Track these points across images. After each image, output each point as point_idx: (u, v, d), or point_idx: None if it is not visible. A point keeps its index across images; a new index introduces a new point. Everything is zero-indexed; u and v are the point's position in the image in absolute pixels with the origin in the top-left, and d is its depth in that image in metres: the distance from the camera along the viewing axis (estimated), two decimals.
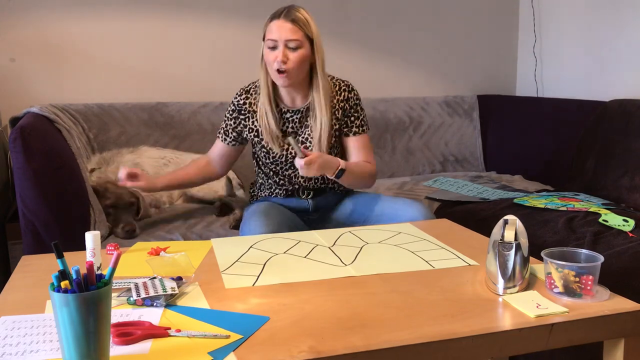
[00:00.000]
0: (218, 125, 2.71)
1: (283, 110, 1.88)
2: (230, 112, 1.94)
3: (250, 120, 1.91)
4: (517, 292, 1.14)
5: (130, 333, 0.95)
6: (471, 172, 3.13)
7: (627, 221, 1.93)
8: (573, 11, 3.00)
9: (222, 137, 1.96)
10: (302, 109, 1.87)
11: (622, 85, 2.71)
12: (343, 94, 1.90)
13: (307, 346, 0.93)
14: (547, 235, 1.91)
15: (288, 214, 1.89)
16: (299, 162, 1.67)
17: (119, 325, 0.99)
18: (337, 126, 1.90)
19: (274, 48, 1.75)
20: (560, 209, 2.12)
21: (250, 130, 1.92)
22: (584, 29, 2.94)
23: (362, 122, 1.93)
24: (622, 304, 1.09)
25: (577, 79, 2.99)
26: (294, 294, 1.13)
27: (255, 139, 1.92)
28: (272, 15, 1.79)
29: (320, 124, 1.83)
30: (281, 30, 1.73)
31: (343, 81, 1.93)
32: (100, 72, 2.73)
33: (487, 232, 1.29)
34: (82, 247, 1.27)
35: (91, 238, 1.21)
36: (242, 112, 1.91)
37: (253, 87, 1.92)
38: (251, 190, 2.11)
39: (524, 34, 3.39)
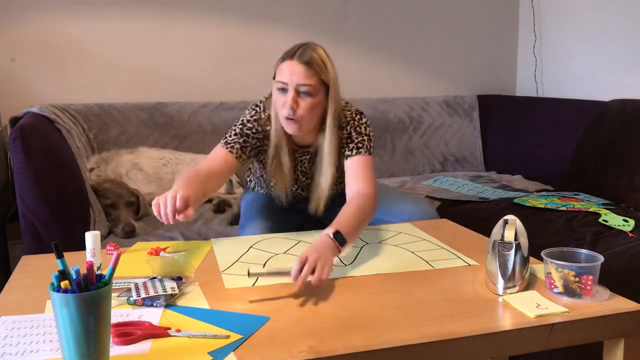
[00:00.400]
0: (218, 125, 2.74)
1: (293, 149, 1.70)
2: (251, 130, 1.65)
3: (261, 151, 1.71)
4: (517, 292, 1.14)
5: (130, 333, 0.95)
6: (471, 172, 3.13)
7: (627, 221, 1.93)
8: (573, 11, 3.00)
9: (236, 153, 1.61)
10: (311, 151, 1.71)
11: (622, 85, 2.71)
12: (350, 122, 1.67)
13: (307, 346, 0.93)
14: (547, 235, 1.91)
15: (283, 210, 1.82)
16: (297, 279, 1.19)
17: (119, 325, 0.99)
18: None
19: (283, 91, 1.54)
20: (560, 209, 2.12)
21: (264, 161, 1.73)
22: (584, 29, 2.93)
23: (360, 145, 1.64)
24: (622, 304, 1.09)
25: (577, 79, 2.99)
26: (294, 294, 1.13)
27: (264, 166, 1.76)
28: (285, 53, 1.58)
29: (324, 174, 1.65)
30: (293, 73, 1.52)
31: (351, 112, 1.69)
32: (100, 72, 2.73)
33: (487, 232, 1.29)
34: (82, 247, 1.27)
35: (91, 238, 1.21)
36: (259, 139, 1.68)
37: (263, 114, 1.67)
38: (248, 177, 2.01)
39: (524, 34, 3.38)
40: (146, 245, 1.48)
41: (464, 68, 3.38)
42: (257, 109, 1.68)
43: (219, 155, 1.61)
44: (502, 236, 1.18)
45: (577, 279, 1.10)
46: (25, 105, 2.22)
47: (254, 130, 1.65)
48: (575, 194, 2.37)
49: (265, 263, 1.35)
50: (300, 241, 1.52)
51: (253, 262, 1.36)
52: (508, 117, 3.14)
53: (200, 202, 1.58)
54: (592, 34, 2.88)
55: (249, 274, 1.16)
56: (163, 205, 1.30)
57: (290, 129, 1.58)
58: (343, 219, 1.40)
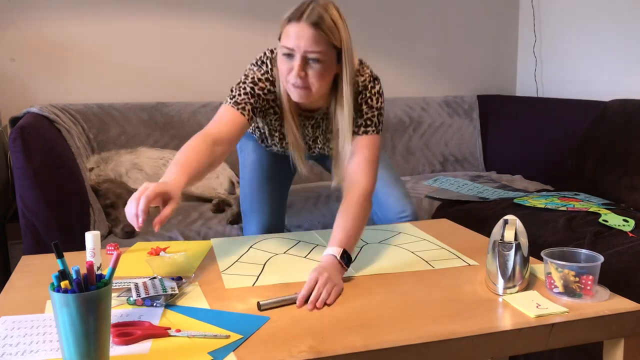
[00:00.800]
0: None
1: (300, 113, 1.57)
2: (262, 90, 1.49)
3: (269, 113, 1.57)
4: (517, 292, 1.14)
5: (130, 333, 0.95)
6: (471, 172, 3.13)
7: (627, 221, 1.93)
8: (573, 11, 3.00)
9: (247, 114, 1.45)
10: (316, 116, 1.59)
11: (622, 85, 2.71)
12: (363, 92, 1.54)
13: (307, 346, 0.93)
14: (547, 235, 1.91)
15: (279, 164, 1.76)
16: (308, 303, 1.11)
17: (119, 325, 0.99)
18: None
19: (289, 56, 1.37)
20: (560, 209, 2.12)
21: (270, 123, 1.61)
22: (584, 29, 2.94)
23: (373, 122, 1.52)
24: (622, 304, 1.09)
25: (577, 79, 2.99)
26: (294, 293, 1.12)
27: (275, 133, 1.64)
28: (291, 12, 1.38)
29: (340, 139, 1.49)
30: (300, 37, 1.34)
31: (366, 78, 1.57)
32: (100, 72, 2.73)
33: (487, 232, 1.29)
34: (82, 247, 1.27)
35: (91, 238, 1.21)
36: (269, 101, 1.53)
37: (271, 74, 1.51)
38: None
39: (524, 34, 3.39)
40: (146, 245, 1.48)
41: (464, 68, 3.38)
42: (266, 66, 1.51)
43: (229, 117, 1.43)
44: (502, 236, 1.18)
45: (577, 279, 1.10)
46: (25, 105, 2.22)
47: (265, 91, 1.49)
48: (575, 194, 2.37)
49: (265, 263, 1.35)
50: (300, 241, 1.52)
51: (253, 262, 1.36)
52: (508, 117, 3.14)
53: (203, 176, 1.37)
54: (592, 34, 2.88)
55: (259, 308, 1.07)
56: (133, 206, 1.09)
57: (297, 96, 1.42)
58: (345, 233, 1.30)
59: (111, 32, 2.72)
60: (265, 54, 1.54)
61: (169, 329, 0.98)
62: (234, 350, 0.91)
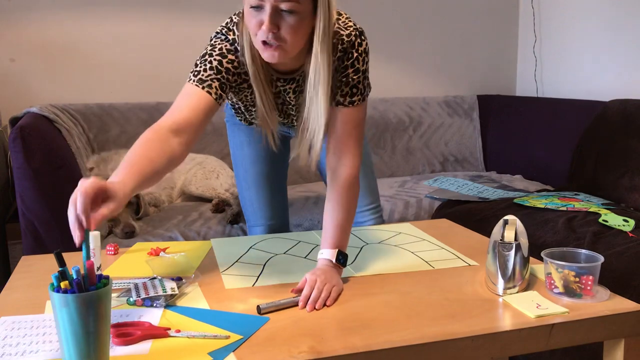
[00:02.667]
0: (217, 125, 2.73)
1: (273, 77, 1.34)
2: (232, 63, 1.29)
3: (242, 89, 1.37)
4: (517, 292, 1.14)
5: (130, 333, 0.95)
6: (471, 172, 3.13)
7: (627, 221, 1.93)
8: (573, 11, 3.00)
9: (214, 92, 1.25)
10: (297, 77, 1.34)
11: (622, 85, 2.71)
12: (348, 49, 1.30)
13: (307, 346, 0.93)
14: (547, 235, 1.91)
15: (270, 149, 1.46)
16: (306, 305, 1.09)
17: (118, 325, 0.99)
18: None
19: (258, 8, 1.14)
20: (560, 209, 2.12)
21: (244, 99, 1.41)
22: (584, 29, 2.94)
23: (355, 90, 1.30)
24: (622, 304, 1.09)
25: (577, 79, 2.99)
26: (295, 294, 1.12)
27: (252, 109, 1.44)
28: None
29: (306, 106, 1.27)
30: None
31: (350, 32, 1.33)
32: (100, 72, 2.73)
33: (487, 232, 1.29)
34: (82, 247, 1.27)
35: (91, 238, 1.21)
36: (241, 74, 1.32)
37: (238, 42, 1.30)
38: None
39: (524, 34, 3.38)
40: (146, 245, 1.48)
41: (464, 68, 3.38)
42: (232, 33, 1.31)
43: (192, 99, 1.25)
44: (502, 236, 1.18)
45: (577, 279, 1.10)
46: (25, 105, 2.22)
47: (235, 64, 1.28)
48: (575, 194, 2.37)
49: (265, 263, 1.35)
50: (300, 241, 1.52)
51: (253, 262, 1.36)
52: (508, 117, 3.14)
53: (161, 176, 1.20)
54: (592, 34, 2.88)
55: (259, 311, 1.05)
56: (72, 211, 0.90)
57: (268, 56, 1.19)
58: (337, 231, 1.24)
59: (111, 32, 2.72)
60: (231, 19, 1.33)
61: (169, 329, 0.98)
62: (233, 351, 0.91)
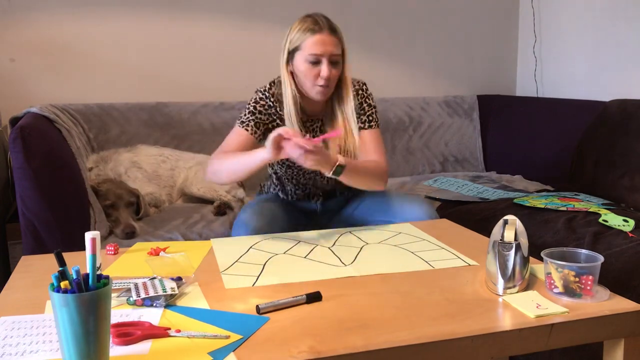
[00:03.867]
0: (218, 125, 2.74)
1: (303, 119, 1.77)
2: (263, 107, 1.74)
3: (277, 125, 1.76)
4: (517, 292, 1.14)
5: (130, 333, 0.95)
6: (471, 172, 3.13)
7: (627, 221, 1.93)
8: (573, 11, 3.00)
9: (251, 129, 1.71)
10: (322, 118, 1.80)
11: (622, 85, 2.71)
12: (358, 99, 1.81)
13: (307, 346, 0.93)
14: (547, 235, 1.91)
15: (289, 211, 1.83)
16: (297, 150, 1.44)
17: (118, 325, 0.99)
18: None
19: (316, 63, 1.64)
20: (560, 209, 2.12)
21: (268, 131, 1.74)
22: (584, 29, 2.94)
23: (372, 118, 1.81)
24: (622, 304, 1.09)
25: (577, 79, 2.99)
26: (294, 294, 1.13)
27: None
28: (308, 25, 1.65)
29: (345, 129, 1.74)
30: (326, 45, 1.63)
31: (357, 81, 1.84)
32: (100, 72, 2.73)
33: (487, 232, 1.29)
34: (82, 247, 1.27)
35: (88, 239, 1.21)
36: (271, 114, 1.76)
37: (272, 92, 1.77)
38: (262, 184, 2.04)
39: (524, 34, 3.38)
40: (146, 245, 1.48)
41: (464, 68, 3.38)
42: (265, 90, 1.77)
43: (236, 136, 1.72)
44: (502, 236, 1.18)
45: (577, 279, 1.10)
46: (25, 105, 2.22)
47: (266, 107, 1.74)
48: (575, 194, 2.37)
49: (265, 263, 1.35)
50: (300, 241, 1.52)
51: (253, 262, 1.36)
52: (508, 117, 3.14)
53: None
54: (592, 34, 2.88)
55: (259, 311, 1.06)
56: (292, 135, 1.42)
57: (321, 96, 1.68)
58: (356, 161, 1.68)
59: (111, 32, 2.72)
60: (265, 86, 1.79)
61: (169, 329, 0.98)
62: (233, 351, 0.91)
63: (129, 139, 2.58)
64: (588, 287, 1.10)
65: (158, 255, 1.40)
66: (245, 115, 1.73)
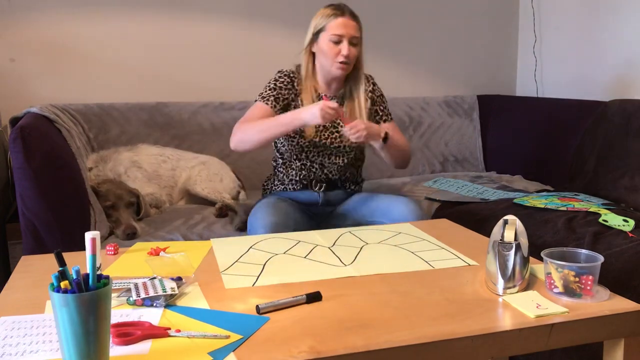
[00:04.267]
0: (218, 125, 2.74)
1: (320, 96, 2.01)
2: (283, 82, 1.98)
3: (293, 100, 1.99)
4: (517, 292, 1.14)
5: (130, 333, 0.95)
6: (471, 172, 3.13)
7: (627, 221, 1.93)
8: (573, 11, 3.00)
9: (271, 103, 1.93)
10: (339, 95, 2.02)
11: (622, 85, 2.71)
12: (370, 86, 2.09)
13: (307, 346, 0.93)
14: (547, 235, 1.91)
15: (296, 207, 1.95)
16: (348, 128, 1.79)
17: (118, 325, 0.99)
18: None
19: (338, 42, 1.89)
20: (560, 209, 2.12)
21: (289, 105, 1.98)
22: (584, 29, 2.94)
23: (388, 111, 2.11)
24: (622, 304, 1.09)
25: (577, 79, 2.99)
26: (294, 294, 1.13)
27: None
28: (332, 10, 1.91)
29: (359, 109, 1.98)
30: (348, 27, 1.89)
31: (368, 75, 2.09)
32: (100, 72, 2.73)
33: (487, 232, 1.29)
34: (82, 247, 1.27)
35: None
36: (290, 89, 1.98)
37: (292, 71, 2.02)
38: (265, 184, 2.17)
39: (524, 34, 3.38)
40: (146, 245, 1.48)
41: (464, 68, 3.38)
42: (287, 70, 2.00)
43: (258, 109, 1.91)
44: (502, 236, 1.18)
45: (577, 279, 1.10)
46: (25, 105, 2.22)
47: (285, 83, 1.97)
48: (575, 194, 2.37)
49: (265, 263, 1.35)
50: (300, 241, 1.52)
51: (253, 262, 1.36)
52: (508, 117, 3.14)
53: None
54: (592, 34, 2.88)
55: (259, 311, 1.06)
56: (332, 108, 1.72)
57: (341, 72, 1.93)
58: (393, 135, 1.96)
59: (111, 32, 2.72)
60: (287, 68, 2.03)
61: (169, 329, 0.98)
62: (233, 351, 0.91)
63: (129, 139, 2.58)
64: (588, 287, 1.10)
65: (158, 255, 1.40)
66: (265, 91, 1.94)
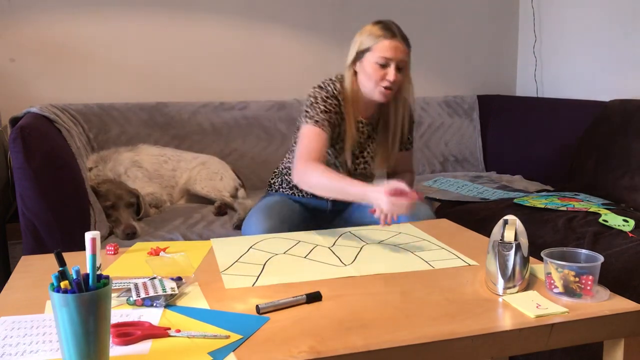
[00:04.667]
0: (217, 125, 2.74)
1: (356, 120, 1.86)
2: (332, 105, 1.78)
3: (339, 126, 1.83)
4: (517, 292, 1.14)
5: (130, 333, 0.95)
6: (471, 172, 3.13)
7: (627, 221, 1.93)
8: (573, 11, 2.99)
9: (326, 129, 1.74)
10: (373, 122, 1.89)
11: (622, 85, 2.71)
12: (408, 111, 1.93)
13: (307, 346, 0.93)
14: (547, 235, 1.91)
15: (298, 209, 1.89)
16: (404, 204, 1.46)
17: (118, 325, 0.99)
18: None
19: (384, 66, 1.74)
20: (560, 209, 2.12)
21: (334, 130, 1.82)
22: (583, 29, 2.93)
23: (412, 139, 2.02)
24: (622, 304, 1.09)
25: (577, 79, 2.99)
26: (294, 294, 1.13)
27: (330, 149, 1.84)
28: (381, 30, 1.76)
29: (392, 140, 1.87)
30: (397, 51, 1.75)
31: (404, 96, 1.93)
32: (100, 72, 2.73)
33: (487, 232, 1.29)
34: (82, 247, 1.27)
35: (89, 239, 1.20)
36: (337, 113, 1.80)
37: (337, 90, 1.81)
38: (272, 181, 2.04)
39: (524, 34, 3.38)
40: (146, 245, 1.48)
41: (464, 68, 3.38)
42: (330, 87, 1.80)
43: (318, 138, 1.72)
44: (502, 236, 1.18)
45: (577, 279, 1.10)
46: (25, 105, 2.22)
47: (333, 105, 1.78)
48: (575, 194, 2.37)
49: (265, 263, 1.35)
50: (300, 241, 1.52)
51: (253, 262, 1.36)
52: (508, 117, 3.14)
53: None
54: (592, 34, 2.88)
55: (258, 311, 1.06)
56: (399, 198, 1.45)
57: (383, 97, 1.78)
58: (407, 181, 1.73)
59: (111, 32, 2.72)
60: (329, 79, 1.84)
61: (169, 329, 0.98)
62: (234, 351, 0.91)
63: (129, 139, 2.58)
64: (588, 287, 1.10)
65: (158, 255, 1.40)
66: (317, 114, 1.74)
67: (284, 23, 2.98)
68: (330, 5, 3.03)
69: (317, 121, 1.73)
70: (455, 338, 0.97)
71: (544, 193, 2.47)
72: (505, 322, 1.03)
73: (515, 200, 2.28)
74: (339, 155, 1.86)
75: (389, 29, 1.76)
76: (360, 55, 1.78)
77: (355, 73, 1.81)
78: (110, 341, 0.90)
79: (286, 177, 1.96)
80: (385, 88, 1.75)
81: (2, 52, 2.58)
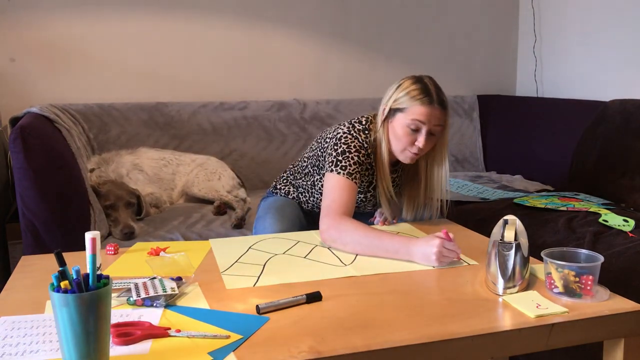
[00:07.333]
0: (217, 125, 2.74)
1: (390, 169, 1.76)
2: (364, 157, 1.66)
3: (369, 173, 1.74)
4: (517, 292, 1.14)
5: (130, 333, 0.95)
6: (471, 172, 3.13)
7: (627, 221, 1.93)
8: (573, 11, 2.99)
9: (358, 181, 1.64)
10: (398, 169, 1.79)
11: (622, 85, 2.71)
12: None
13: (307, 346, 0.93)
14: (547, 235, 1.91)
15: (304, 214, 1.89)
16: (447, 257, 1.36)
17: (119, 325, 0.99)
18: None
19: (416, 130, 1.59)
20: (560, 209, 2.12)
21: (366, 181, 1.75)
22: (583, 29, 2.93)
23: None
24: (622, 304, 1.09)
25: (577, 79, 2.99)
26: (294, 294, 1.13)
27: (364, 189, 1.77)
28: (419, 93, 1.58)
29: (416, 195, 1.74)
30: (433, 117, 1.58)
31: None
32: (100, 72, 2.73)
33: (487, 232, 1.29)
34: (82, 247, 1.27)
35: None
36: (369, 169, 1.72)
37: (368, 141, 1.68)
38: (280, 186, 1.97)
39: (524, 34, 3.38)
40: (146, 245, 1.48)
41: (464, 68, 3.38)
42: (363, 134, 1.67)
43: (348, 188, 1.60)
44: (502, 236, 1.18)
45: (577, 279, 1.10)
46: (25, 105, 2.22)
47: (365, 157, 1.67)
48: (575, 194, 2.37)
49: (265, 263, 1.35)
50: (299, 241, 1.52)
51: (253, 262, 1.36)
52: (508, 117, 3.14)
53: None
54: (592, 34, 2.88)
55: (258, 311, 1.06)
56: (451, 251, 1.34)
57: (410, 161, 1.66)
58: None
59: (111, 32, 2.72)
60: (360, 122, 1.70)
61: (169, 329, 0.98)
62: (234, 351, 0.91)
63: (129, 139, 2.58)
64: (588, 287, 1.10)
65: (158, 255, 1.40)
66: (350, 165, 1.62)
67: (284, 23, 2.98)
68: (330, 5, 3.03)
69: (350, 173, 1.61)
70: (455, 338, 0.97)
71: (544, 193, 2.47)
72: (505, 322, 1.03)
73: (515, 200, 2.28)
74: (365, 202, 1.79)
75: (428, 94, 1.58)
76: (393, 112, 1.63)
77: (387, 128, 1.66)
78: (110, 341, 0.90)
79: (294, 186, 1.92)
80: (413, 154, 1.62)
81: (2, 52, 2.58)
